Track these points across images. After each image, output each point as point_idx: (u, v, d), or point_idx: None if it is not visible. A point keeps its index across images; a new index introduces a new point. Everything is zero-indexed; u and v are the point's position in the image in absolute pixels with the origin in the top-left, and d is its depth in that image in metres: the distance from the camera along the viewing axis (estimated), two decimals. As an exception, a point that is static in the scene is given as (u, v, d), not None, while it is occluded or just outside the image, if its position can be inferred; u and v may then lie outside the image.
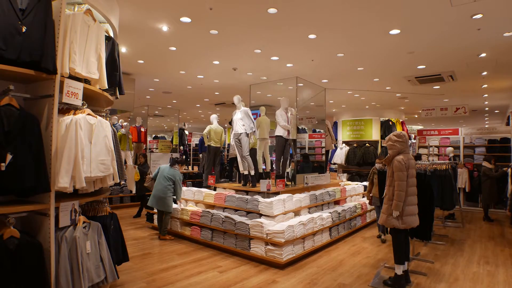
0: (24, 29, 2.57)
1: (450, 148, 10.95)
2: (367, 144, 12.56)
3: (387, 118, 13.32)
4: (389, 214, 4.27)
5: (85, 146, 2.89)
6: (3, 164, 2.38)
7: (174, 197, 6.76)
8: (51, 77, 2.75)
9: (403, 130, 13.40)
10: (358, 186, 8.72)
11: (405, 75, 8.35)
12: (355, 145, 12.76)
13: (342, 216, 6.78)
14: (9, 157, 2.41)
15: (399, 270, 4.32)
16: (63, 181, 2.69)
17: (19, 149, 2.47)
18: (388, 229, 4.52)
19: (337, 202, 7.47)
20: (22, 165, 2.47)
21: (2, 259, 2.36)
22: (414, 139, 14.83)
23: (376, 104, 12.66)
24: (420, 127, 18.18)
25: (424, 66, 7.53)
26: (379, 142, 13.08)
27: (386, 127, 13.02)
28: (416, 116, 15.56)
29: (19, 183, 2.46)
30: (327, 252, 5.92)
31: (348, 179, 11.03)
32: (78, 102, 2.95)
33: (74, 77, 2.99)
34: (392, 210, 4.22)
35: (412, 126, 19.76)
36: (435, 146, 12.10)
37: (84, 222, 3.01)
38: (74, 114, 2.95)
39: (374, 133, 13.33)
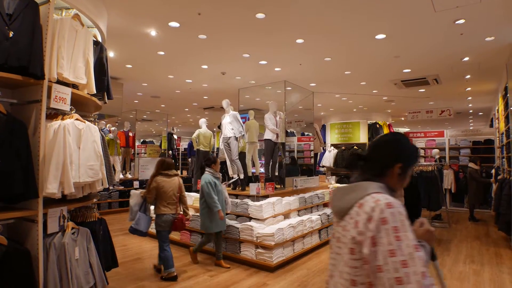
0: (11, 34, 2.55)
1: (436, 150, 11.15)
2: (355, 147, 12.70)
3: (374, 121, 13.50)
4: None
5: (73, 151, 2.86)
6: (-10, 170, 2.36)
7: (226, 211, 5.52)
8: (39, 82, 2.73)
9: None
10: (346, 189, 8.79)
11: (391, 79, 8.49)
12: (343, 148, 12.89)
13: (332, 218, 6.83)
14: (-4, 163, 2.38)
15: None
16: (51, 187, 2.66)
17: (6, 155, 2.44)
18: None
19: (326, 205, 7.52)
20: (10, 171, 2.44)
21: (-11, 267, 2.32)
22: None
23: (364, 107, 12.82)
24: (406, 130, 18.44)
25: (409, 70, 7.68)
26: (367, 144, 13.23)
27: (374, 130, 13.18)
28: (403, 118, 15.79)
29: (6, 189, 2.43)
30: (317, 254, 5.96)
31: (337, 182, 11.13)
32: (66, 107, 2.93)
33: (62, 82, 2.97)
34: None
35: (399, 128, 20.02)
36: (421, 148, 12.30)
37: (72, 228, 2.98)
38: (62, 119, 2.93)
39: (362, 136, 13.48)
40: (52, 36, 2.86)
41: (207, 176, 5.25)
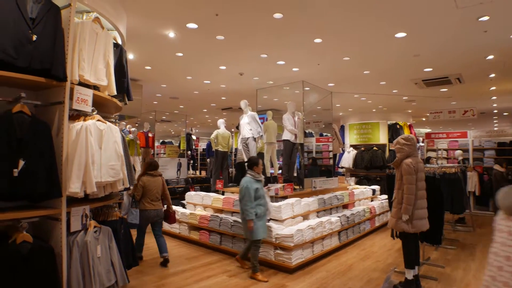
0: (34, 38, 2.62)
1: (459, 151, 10.85)
2: (374, 148, 12.51)
3: (394, 122, 13.27)
4: (398, 217, 4.25)
5: (95, 151, 2.92)
6: (15, 170, 2.42)
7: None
8: (61, 84, 2.80)
9: (411, 133, 13.33)
10: (366, 190, 8.68)
11: (412, 78, 8.32)
12: (362, 148, 12.71)
13: (351, 220, 6.74)
14: (21, 163, 2.45)
15: (409, 274, 4.28)
16: (74, 186, 2.73)
17: (31, 155, 2.51)
18: (398, 233, 4.48)
19: (345, 206, 7.43)
20: (34, 171, 2.51)
21: (16, 264, 2.39)
22: (422, 142, 14.72)
23: (383, 108, 12.62)
24: (428, 130, 18.04)
25: (431, 69, 7.50)
26: (387, 145, 13.01)
27: (394, 131, 12.96)
28: (424, 119, 15.47)
29: (31, 188, 2.50)
30: (336, 256, 5.89)
31: (356, 183, 10.99)
32: (88, 108, 2.99)
33: (83, 84, 3.03)
34: (401, 213, 4.19)
35: (420, 129, 19.63)
36: (444, 149, 12.00)
37: (95, 227, 3.04)
38: (84, 120, 2.99)
39: (381, 137, 13.27)
40: (73, 39, 2.92)
41: (248, 179, 4.89)
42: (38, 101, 2.86)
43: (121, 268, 3.24)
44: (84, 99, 2.94)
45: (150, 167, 5.44)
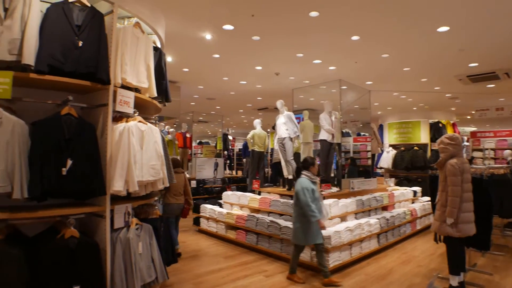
0: (80, 44, 2.76)
1: (508, 151, 10.16)
2: (415, 148, 12.05)
3: (436, 120, 12.72)
4: (442, 221, 4.06)
5: (137, 151, 3.03)
6: (64, 169, 2.57)
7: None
8: (106, 87, 2.93)
9: (454, 132, 12.72)
10: (407, 192, 8.37)
11: (455, 74, 7.93)
12: (402, 148, 12.28)
13: (391, 222, 6.53)
14: (69, 162, 2.59)
15: (454, 281, 4.08)
16: (117, 185, 2.85)
17: (78, 155, 2.65)
18: (442, 237, 4.28)
19: (384, 208, 7.21)
20: (81, 170, 2.65)
21: (64, 257, 2.53)
22: (467, 141, 14.02)
23: (425, 106, 12.14)
24: (473, 129, 17.13)
25: (476, 64, 7.12)
26: (429, 145, 12.50)
27: (436, 130, 12.42)
28: (469, 117, 14.71)
29: (78, 186, 2.64)
30: (375, 260, 5.73)
31: (396, 184, 10.62)
32: (130, 110, 3.11)
33: (125, 87, 3.16)
34: (445, 217, 4.00)
35: (464, 128, 18.69)
36: (491, 149, 11.34)
37: (136, 224, 3.15)
38: (126, 121, 3.11)
39: (422, 136, 12.76)
40: (116, 44, 3.06)
41: (304, 180, 4.65)
42: (84, 103, 3.01)
43: (161, 264, 3.33)
44: (126, 101, 3.06)
45: (174, 164, 5.59)
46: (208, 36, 5.72)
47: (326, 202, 5.69)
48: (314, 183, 4.70)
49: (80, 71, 2.75)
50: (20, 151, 2.44)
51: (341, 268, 5.17)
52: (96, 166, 2.78)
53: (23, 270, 2.37)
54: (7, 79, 2.41)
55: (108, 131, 2.91)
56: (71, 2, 2.80)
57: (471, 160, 10.11)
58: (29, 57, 2.49)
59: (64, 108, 2.72)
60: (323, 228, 4.56)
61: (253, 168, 8.20)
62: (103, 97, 2.97)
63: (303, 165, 4.88)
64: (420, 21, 5.07)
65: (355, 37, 5.71)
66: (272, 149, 10.43)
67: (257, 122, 8.40)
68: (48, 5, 2.74)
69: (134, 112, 3.21)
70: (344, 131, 12.93)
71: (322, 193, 6.05)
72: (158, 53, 3.83)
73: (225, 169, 13.56)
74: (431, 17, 4.92)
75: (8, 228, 2.56)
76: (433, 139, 12.42)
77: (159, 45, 4.11)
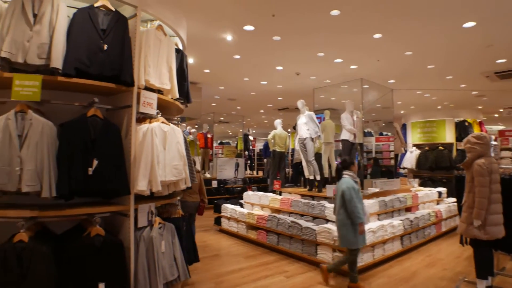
0: (105, 47, 2.84)
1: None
2: (440, 147, 11.73)
3: (462, 119, 12.34)
4: (469, 223, 3.93)
5: (160, 152, 3.09)
6: (90, 169, 2.65)
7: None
8: (130, 89, 3.00)
9: (481, 131, 12.31)
10: (431, 192, 8.16)
11: (482, 71, 7.69)
12: (426, 148, 11.97)
13: (415, 224, 6.39)
14: (95, 162, 2.67)
15: (481, 285, 3.94)
16: (141, 185, 2.91)
17: (103, 155, 2.73)
18: (468, 239, 4.15)
19: (408, 209, 7.06)
20: (106, 170, 2.72)
21: (90, 255, 2.61)
22: (495, 140, 13.54)
23: (450, 104, 11.82)
24: (501, 127, 16.51)
25: (504, 60, 6.88)
26: (454, 144, 12.15)
27: (462, 129, 12.05)
28: (497, 115, 14.22)
29: (103, 186, 2.72)
30: (398, 262, 5.61)
31: (420, 185, 10.38)
32: (153, 111, 3.17)
33: (148, 88, 3.22)
34: (473, 219, 3.88)
35: (492, 126, 18.05)
36: (521, 149, 10.92)
37: (159, 223, 3.20)
38: (150, 122, 3.17)
39: (448, 135, 12.41)
40: (139, 47, 3.13)
41: (349, 180, 4.43)
42: (109, 105, 3.09)
43: (183, 263, 3.38)
44: (149, 102, 3.12)
45: None
46: (229, 37, 5.75)
47: (348, 203, 5.62)
48: (356, 182, 4.50)
49: (105, 73, 2.82)
50: (48, 152, 2.54)
51: (363, 270, 5.09)
52: (121, 166, 2.85)
53: (51, 267, 2.45)
54: (36, 82, 2.51)
55: (132, 132, 2.98)
56: (96, 7, 2.89)
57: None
58: (57, 61, 2.59)
59: (90, 109, 2.81)
60: (362, 232, 4.31)
61: (274, 168, 8.19)
62: (127, 99, 3.05)
63: (343, 165, 4.65)
64: (444, 16, 4.93)
65: (377, 35, 5.63)
66: (293, 149, 10.38)
67: (278, 122, 8.38)
68: (75, 10, 2.83)
69: (157, 113, 3.27)
70: (366, 130, 12.77)
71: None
72: (180, 55, 3.88)
73: (246, 169, 13.62)
74: (457, 12, 4.78)
75: (37, 225, 2.67)
76: (458, 138, 12.06)
77: (180, 47, 4.17)
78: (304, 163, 6.81)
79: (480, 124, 12.55)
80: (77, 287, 2.55)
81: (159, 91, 3.42)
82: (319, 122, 7.18)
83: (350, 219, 4.30)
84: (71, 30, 2.74)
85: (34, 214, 2.50)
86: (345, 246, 4.41)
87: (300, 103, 7.03)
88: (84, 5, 2.93)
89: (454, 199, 8.44)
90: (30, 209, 2.52)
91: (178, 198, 3.78)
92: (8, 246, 2.36)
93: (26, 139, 2.48)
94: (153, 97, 3.17)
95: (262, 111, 14.12)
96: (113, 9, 2.97)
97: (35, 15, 2.60)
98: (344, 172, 4.57)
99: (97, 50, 2.81)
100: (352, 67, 7.44)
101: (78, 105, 2.88)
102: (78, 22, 2.77)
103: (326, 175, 7.25)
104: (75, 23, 2.77)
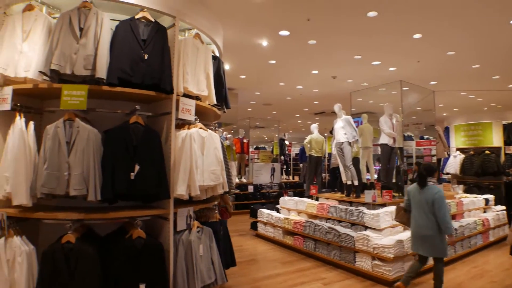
0: (146, 57, 2.96)
1: None
2: (486, 151, 11.09)
3: (511, 121, 11.62)
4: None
5: (198, 157, 3.16)
6: (132, 173, 2.76)
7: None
8: (169, 96, 3.11)
9: (533, 133, 11.52)
10: (477, 200, 7.73)
11: (534, 70, 7.23)
12: (471, 152, 11.37)
13: (460, 232, 6.07)
14: (137, 167, 2.78)
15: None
16: (180, 189, 2.99)
17: (145, 161, 2.83)
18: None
19: (452, 217, 6.72)
20: (147, 175, 2.82)
21: (132, 256, 2.71)
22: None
23: (497, 105, 11.19)
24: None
25: (559, 58, 6.43)
26: (502, 148, 11.46)
27: (510, 131, 11.34)
28: (551, 116, 13.27)
29: (145, 190, 2.82)
30: (446, 271, 5.34)
31: (465, 191, 9.86)
32: (191, 117, 3.25)
33: (187, 95, 3.31)
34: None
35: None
36: None
37: (198, 227, 3.27)
38: (188, 128, 3.25)
39: (495, 138, 11.73)
40: (178, 55, 3.23)
41: (439, 188, 4.28)
42: (150, 112, 3.21)
43: (220, 267, 3.42)
44: (188, 109, 3.21)
45: None
46: (264, 43, 5.80)
47: (388, 209, 5.46)
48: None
49: (146, 82, 2.94)
50: (94, 157, 2.67)
51: (405, 279, 4.90)
52: (161, 171, 2.94)
53: (97, 267, 2.57)
54: (83, 92, 2.66)
55: (172, 137, 3.08)
56: (137, 19, 3.02)
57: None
58: (102, 72, 2.73)
59: (132, 117, 2.93)
60: (453, 242, 4.12)
61: (311, 173, 8.11)
62: (166, 106, 3.15)
63: (428, 172, 4.39)
64: (490, 13, 4.69)
65: (417, 35, 5.45)
66: (330, 154, 10.24)
67: (314, 127, 8.30)
68: (117, 23, 2.98)
69: (195, 119, 3.35)
70: (406, 134, 12.35)
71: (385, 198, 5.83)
72: (217, 62, 3.96)
73: (281, 174, 13.59)
74: (505, 6, 4.52)
75: (83, 227, 2.81)
76: (507, 141, 11.36)
77: (217, 54, 4.25)
78: (341, 168, 6.69)
79: (531, 126, 11.77)
80: (119, 287, 2.65)
81: (197, 98, 3.51)
82: (357, 126, 7.04)
83: (439, 228, 4.12)
84: (114, 41, 2.88)
85: (81, 216, 2.64)
86: (436, 256, 4.24)
87: (337, 107, 6.93)
88: (126, 17, 3.07)
89: (503, 207, 7.96)
90: (77, 211, 2.67)
91: (216, 202, 3.84)
92: (56, 246, 2.51)
93: (73, 146, 2.63)
94: (191, 104, 3.26)
95: (298, 115, 14.05)
96: (153, 20, 3.09)
97: (81, 29, 2.76)
98: (429, 179, 4.36)
99: (139, 60, 2.93)
100: (391, 69, 7.24)
101: (121, 112, 3.02)
102: (120, 34, 2.91)
103: (364, 180, 7.08)
104: (118, 35, 2.91)
